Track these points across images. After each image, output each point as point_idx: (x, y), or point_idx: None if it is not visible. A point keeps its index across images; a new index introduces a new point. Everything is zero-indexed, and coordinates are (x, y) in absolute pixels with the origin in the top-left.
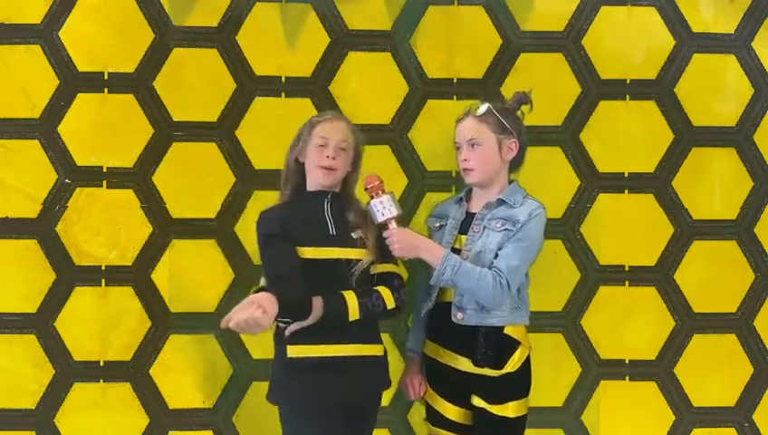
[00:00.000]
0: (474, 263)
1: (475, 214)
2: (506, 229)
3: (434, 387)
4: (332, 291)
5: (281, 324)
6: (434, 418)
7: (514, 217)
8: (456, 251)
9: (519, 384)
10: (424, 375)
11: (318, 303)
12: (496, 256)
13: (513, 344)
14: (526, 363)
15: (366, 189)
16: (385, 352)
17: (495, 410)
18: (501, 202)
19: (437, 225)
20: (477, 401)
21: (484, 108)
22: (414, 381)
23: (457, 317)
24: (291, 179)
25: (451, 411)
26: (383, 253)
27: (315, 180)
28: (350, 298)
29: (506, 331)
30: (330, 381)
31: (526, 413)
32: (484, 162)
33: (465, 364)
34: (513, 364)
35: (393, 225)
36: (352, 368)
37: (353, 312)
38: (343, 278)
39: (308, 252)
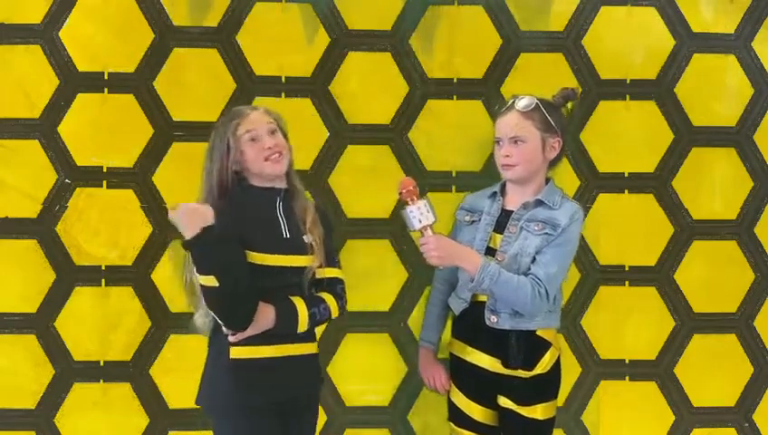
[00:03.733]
0: (510, 265)
1: (510, 211)
2: (546, 233)
3: (460, 387)
4: (278, 297)
5: (229, 336)
6: (457, 418)
7: (555, 220)
8: (491, 250)
9: (548, 386)
10: (445, 368)
11: (268, 312)
12: (533, 259)
13: (544, 346)
14: (556, 365)
15: (400, 194)
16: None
17: (524, 411)
18: (539, 203)
19: (469, 219)
20: (505, 402)
21: (531, 103)
22: (435, 372)
23: (491, 320)
24: (226, 190)
25: (477, 412)
26: (328, 256)
27: (266, 176)
28: (301, 309)
29: (538, 332)
30: (273, 380)
31: (554, 416)
32: (526, 160)
33: (494, 365)
34: (543, 366)
35: (429, 232)
36: (294, 366)
37: (303, 323)
38: (291, 285)
39: (260, 258)
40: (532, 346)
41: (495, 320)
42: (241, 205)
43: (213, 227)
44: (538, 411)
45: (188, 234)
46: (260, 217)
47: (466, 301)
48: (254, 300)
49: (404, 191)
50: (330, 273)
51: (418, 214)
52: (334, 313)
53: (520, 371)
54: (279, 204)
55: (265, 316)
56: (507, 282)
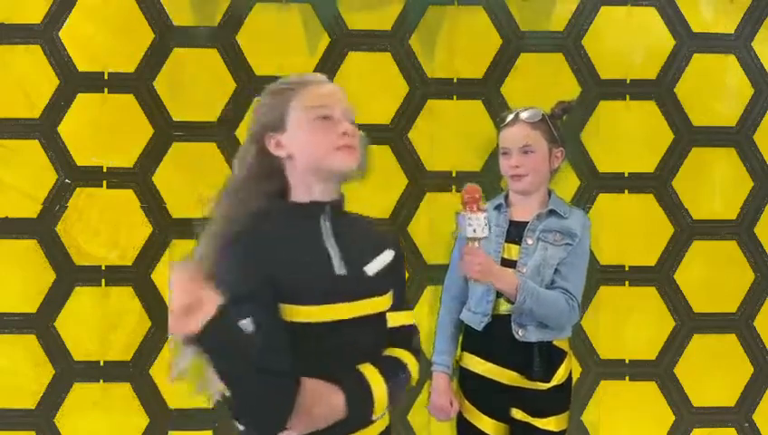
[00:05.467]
0: (533, 277)
1: (518, 222)
2: (566, 243)
3: (473, 402)
4: (340, 368)
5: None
6: (468, 434)
7: (570, 229)
8: (505, 261)
9: (563, 397)
10: (453, 391)
11: (334, 400)
12: (555, 270)
13: (561, 356)
14: (569, 376)
15: (464, 202)
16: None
17: (539, 423)
18: (551, 212)
19: None
20: (520, 415)
21: (538, 114)
22: (451, 402)
23: (519, 334)
24: (260, 185)
25: (490, 427)
26: (399, 294)
27: (326, 174)
28: (377, 385)
29: (555, 342)
30: None
31: (567, 428)
32: (536, 170)
33: (512, 378)
34: (559, 377)
35: (476, 244)
36: None
37: (380, 406)
38: (358, 347)
39: (302, 312)
40: (553, 357)
41: (523, 333)
42: (275, 236)
43: (224, 311)
44: (552, 423)
45: (182, 326)
46: (299, 250)
47: (486, 314)
48: (292, 391)
49: (468, 198)
50: (401, 319)
51: (476, 225)
52: (414, 377)
53: (539, 382)
54: (325, 225)
55: (330, 406)
56: (545, 298)
